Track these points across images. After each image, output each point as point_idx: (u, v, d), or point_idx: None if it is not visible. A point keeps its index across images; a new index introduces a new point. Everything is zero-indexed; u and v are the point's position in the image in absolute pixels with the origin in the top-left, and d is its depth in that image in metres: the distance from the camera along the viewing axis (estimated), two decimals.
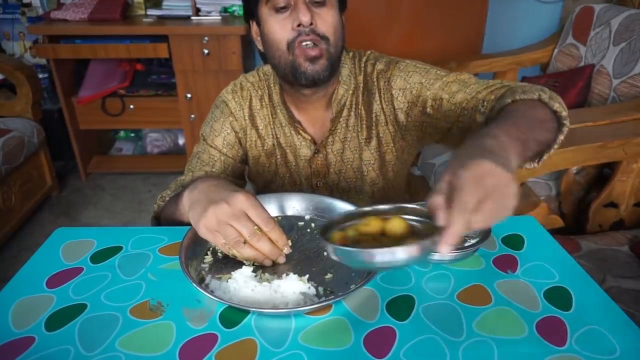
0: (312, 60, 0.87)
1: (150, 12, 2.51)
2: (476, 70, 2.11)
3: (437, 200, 0.54)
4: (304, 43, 0.86)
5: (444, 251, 0.52)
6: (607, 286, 1.11)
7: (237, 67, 2.38)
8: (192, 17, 2.46)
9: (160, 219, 0.96)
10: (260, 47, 0.95)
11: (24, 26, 2.72)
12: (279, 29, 0.87)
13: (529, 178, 1.35)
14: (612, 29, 1.76)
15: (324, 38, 0.87)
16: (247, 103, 1.01)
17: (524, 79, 2.07)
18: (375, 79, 0.98)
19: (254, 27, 0.94)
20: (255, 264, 0.75)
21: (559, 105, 0.76)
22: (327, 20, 0.87)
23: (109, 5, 2.45)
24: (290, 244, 0.75)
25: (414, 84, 0.93)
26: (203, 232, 0.72)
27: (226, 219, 0.69)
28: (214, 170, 0.99)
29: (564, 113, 0.77)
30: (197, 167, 1.00)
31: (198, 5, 2.48)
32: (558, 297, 0.71)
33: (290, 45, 0.87)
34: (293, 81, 0.91)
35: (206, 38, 2.33)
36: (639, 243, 1.26)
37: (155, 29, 2.37)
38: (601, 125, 1.39)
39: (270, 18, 0.87)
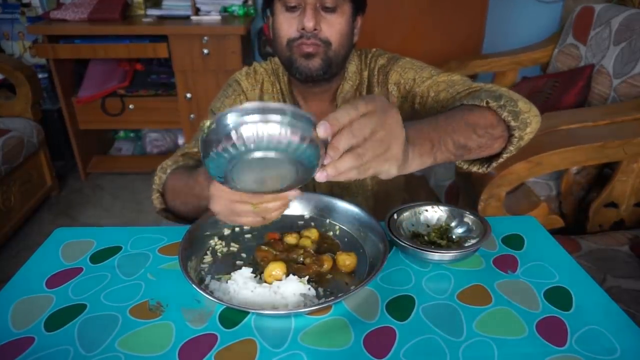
0: (307, 56, 0.89)
1: (150, 12, 2.51)
2: (476, 70, 2.10)
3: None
4: (303, 46, 0.88)
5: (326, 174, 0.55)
6: (607, 286, 1.11)
7: (237, 67, 2.38)
8: (192, 17, 2.46)
9: (165, 192, 0.92)
10: (271, 36, 0.97)
11: (23, 26, 2.71)
12: (286, 26, 0.90)
13: (529, 178, 1.35)
14: (612, 28, 1.76)
15: (325, 42, 0.89)
16: (259, 85, 1.04)
17: (524, 79, 2.07)
18: (376, 74, 1.01)
19: (270, 17, 0.96)
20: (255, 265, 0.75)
21: (507, 114, 0.73)
22: (333, 27, 0.89)
23: (108, 5, 2.45)
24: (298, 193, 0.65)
25: (408, 80, 0.96)
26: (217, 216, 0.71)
27: (229, 217, 0.69)
28: None
29: (513, 123, 0.73)
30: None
31: (198, 5, 2.47)
32: (558, 297, 0.71)
33: (289, 43, 0.90)
34: (290, 74, 0.95)
35: (206, 38, 2.33)
36: (639, 243, 1.26)
37: (155, 28, 2.37)
38: (601, 125, 1.39)
39: (281, 14, 0.90)
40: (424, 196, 1.95)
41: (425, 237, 0.82)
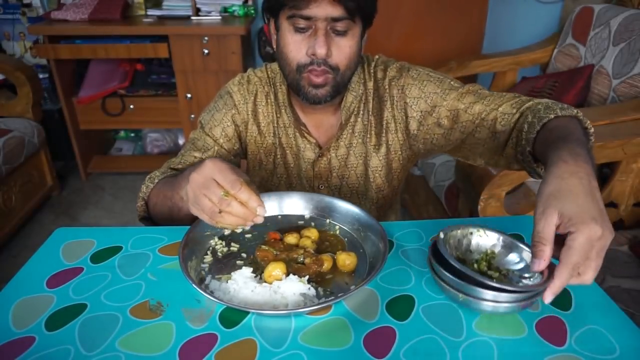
0: (316, 86, 0.88)
1: (150, 12, 2.51)
2: (476, 70, 2.11)
3: (546, 251, 0.59)
4: (313, 75, 0.87)
5: (548, 300, 0.60)
6: (607, 286, 1.11)
7: (237, 67, 2.38)
8: (192, 17, 2.46)
9: (149, 199, 0.91)
10: (274, 46, 0.95)
11: (24, 26, 2.72)
12: (294, 48, 0.86)
13: (529, 178, 1.35)
14: (612, 29, 1.76)
15: (334, 69, 0.87)
16: (252, 97, 1.00)
17: (523, 79, 2.07)
18: (387, 86, 0.98)
19: (272, 25, 0.93)
20: (255, 265, 0.75)
21: (589, 123, 0.78)
22: (343, 52, 0.86)
23: (109, 5, 2.45)
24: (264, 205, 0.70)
25: (429, 93, 0.94)
26: (193, 211, 0.71)
27: (199, 190, 0.68)
28: (204, 157, 0.97)
29: (592, 130, 0.78)
30: (188, 151, 0.98)
31: (198, 5, 2.48)
32: (557, 296, 0.70)
33: (299, 68, 0.88)
34: (296, 95, 0.92)
35: (206, 38, 2.33)
36: (639, 243, 1.27)
37: (155, 29, 2.37)
38: (600, 126, 1.39)
39: (288, 34, 0.86)
40: (424, 196, 1.95)
41: (475, 266, 0.71)
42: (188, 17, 2.46)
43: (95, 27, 2.36)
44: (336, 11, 0.82)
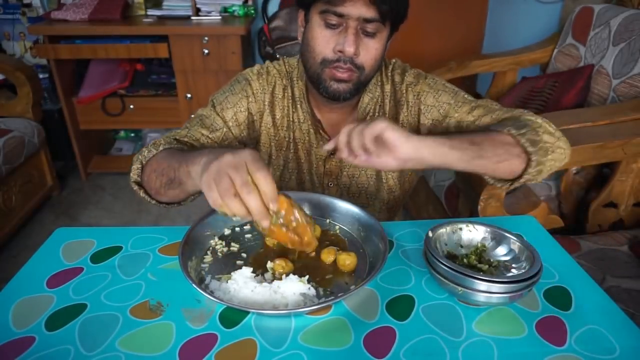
0: (339, 81, 0.88)
1: (151, 12, 2.52)
2: (476, 70, 2.11)
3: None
4: (338, 71, 0.87)
5: (329, 146, 0.75)
6: (607, 286, 1.11)
7: (237, 67, 2.38)
8: (192, 17, 2.46)
9: (146, 165, 0.86)
10: (299, 37, 0.95)
11: (24, 26, 2.72)
12: (322, 43, 0.87)
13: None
14: (612, 29, 1.76)
15: (360, 68, 0.88)
16: (271, 89, 1.00)
17: (523, 79, 2.07)
18: (404, 91, 0.99)
19: (302, 16, 0.93)
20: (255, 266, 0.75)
21: (525, 140, 0.78)
22: (370, 53, 0.87)
23: (109, 6, 2.45)
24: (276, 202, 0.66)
25: (443, 103, 0.95)
26: (203, 182, 0.66)
27: (225, 168, 0.63)
28: (211, 136, 0.94)
29: (531, 148, 0.79)
30: (195, 127, 0.94)
31: (198, 5, 2.48)
32: (558, 296, 0.71)
33: (324, 62, 0.88)
34: (315, 88, 0.93)
35: (206, 38, 2.34)
36: (639, 243, 1.26)
37: (155, 29, 2.37)
38: (601, 126, 1.39)
39: (318, 28, 0.87)
40: (424, 196, 1.95)
41: (465, 260, 0.74)
42: (188, 17, 2.46)
43: (95, 27, 2.36)
44: (370, 12, 0.83)
